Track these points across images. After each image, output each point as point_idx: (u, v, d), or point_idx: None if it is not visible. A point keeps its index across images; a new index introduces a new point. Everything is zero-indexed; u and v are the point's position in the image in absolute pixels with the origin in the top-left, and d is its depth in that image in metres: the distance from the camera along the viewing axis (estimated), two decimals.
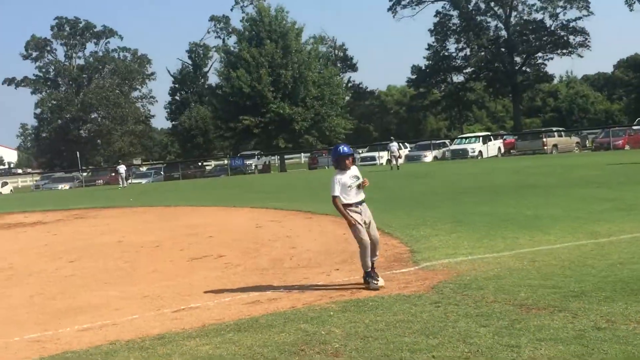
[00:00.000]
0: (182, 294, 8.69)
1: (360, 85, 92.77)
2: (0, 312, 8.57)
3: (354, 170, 8.09)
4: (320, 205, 18.01)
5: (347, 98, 77.35)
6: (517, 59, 77.69)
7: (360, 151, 60.52)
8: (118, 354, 6.01)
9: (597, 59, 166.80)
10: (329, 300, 7.44)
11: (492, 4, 76.83)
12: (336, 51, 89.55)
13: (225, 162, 64.49)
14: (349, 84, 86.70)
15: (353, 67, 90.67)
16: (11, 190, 65.53)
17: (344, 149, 8.13)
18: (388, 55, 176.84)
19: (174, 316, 7.42)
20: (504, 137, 57.37)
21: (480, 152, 49.72)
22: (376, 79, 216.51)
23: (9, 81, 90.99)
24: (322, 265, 9.82)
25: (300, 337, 5.99)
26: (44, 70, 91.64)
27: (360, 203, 8.04)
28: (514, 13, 77.01)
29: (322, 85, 60.29)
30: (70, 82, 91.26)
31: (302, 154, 69.41)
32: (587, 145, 53.38)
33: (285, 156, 63.79)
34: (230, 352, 5.73)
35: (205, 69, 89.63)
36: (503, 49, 77.33)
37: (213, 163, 70.07)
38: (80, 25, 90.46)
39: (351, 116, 67.78)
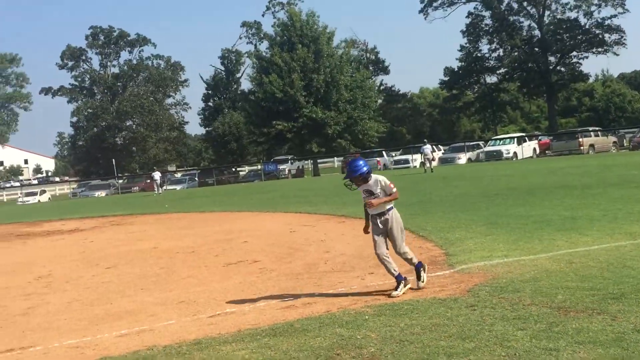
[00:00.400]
0: (218, 299, 8.73)
1: (393, 88, 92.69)
2: (40, 319, 8.69)
3: (370, 184, 7.83)
4: (353, 209, 18.00)
5: (380, 101, 77.28)
6: (552, 59, 76.95)
7: (393, 154, 60.40)
8: (155, 359, 6.06)
9: (634, 56, 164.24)
10: (363, 304, 7.41)
11: (525, 3, 76.26)
12: (368, 54, 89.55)
13: (259, 167, 64.84)
14: (381, 87, 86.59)
15: (385, 70, 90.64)
16: (49, 198, 66.68)
17: (349, 168, 7.88)
18: (420, 57, 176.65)
19: (210, 321, 7.46)
20: (539, 137, 56.80)
21: (514, 153, 49.26)
22: (408, 82, 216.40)
23: (46, 91, 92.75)
24: (356, 269, 9.80)
25: (336, 341, 5.98)
26: (79, 79, 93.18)
27: (380, 215, 7.87)
28: (547, 12, 76.38)
29: (354, 88, 60.31)
30: (106, 91, 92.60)
31: (335, 157, 69.47)
32: (625, 145, 52.61)
33: (319, 160, 63.86)
34: (266, 357, 5.74)
35: (238, 75, 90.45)
36: (537, 49, 76.64)
37: (247, 168, 70.51)
38: (114, 34, 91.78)
39: (384, 119, 67.70)
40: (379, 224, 7.88)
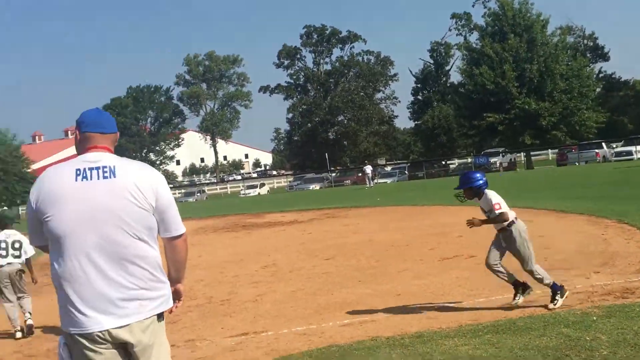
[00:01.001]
0: (435, 293, 8.78)
1: (613, 76, 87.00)
2: (268, 306, 9.25)
3: (482, 200, 7.52)
4: (572, 203, 17.24)
5: (598, 90, 72.98)
6: None
7: (613, 145, 56.93)
8: (380, 350, 6.22)
9: None
10: (590, 304, 7.11)
11: None
12: (585, 41, 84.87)
13: (469, 160, 63.84)
14: (600, 75, 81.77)
15: (604, 57, 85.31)
16: (268, 190, 70.40)
17: (463, 179, 7.68)
18: None
19: (429, 315, 7.53)
20: None
21: None
22: (631, 68, 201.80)
23: (264, 89, 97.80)
24: (579, 267, 9.39)
25: (563, 342, 5.79)
26: (294, 77, 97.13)
27: (501, 230, 7.55)
28: None
29: (570, 77, 57.47)
30: (319, 87, 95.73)
31: (550, 150, 66.63)
32: None
33: (532, 152, 61.66)
34: (490, 354, 5.69)
35: (447, 68, 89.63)
36: None
37: (457, 161, 69.68)
38: (327, 32, 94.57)
39: (603, 109, 63.87)
40: (501, 240, 7.58)
